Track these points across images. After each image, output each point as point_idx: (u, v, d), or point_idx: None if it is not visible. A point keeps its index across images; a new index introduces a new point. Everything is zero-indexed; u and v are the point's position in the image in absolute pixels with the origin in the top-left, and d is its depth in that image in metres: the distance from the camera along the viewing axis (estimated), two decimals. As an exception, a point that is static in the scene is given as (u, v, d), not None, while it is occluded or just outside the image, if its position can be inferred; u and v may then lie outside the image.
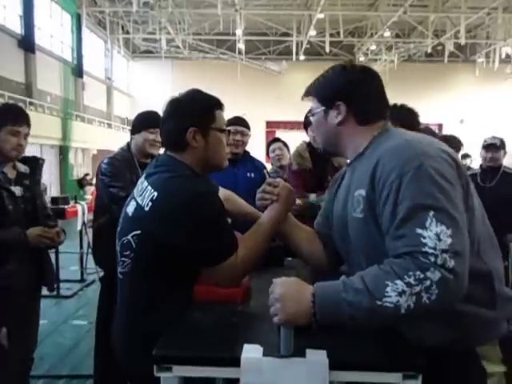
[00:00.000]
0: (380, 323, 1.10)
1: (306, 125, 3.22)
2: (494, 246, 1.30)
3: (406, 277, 1.04)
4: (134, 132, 2.65)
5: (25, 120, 2.33)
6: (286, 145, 4.16)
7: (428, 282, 1.02)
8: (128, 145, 2.68)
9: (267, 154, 4.18)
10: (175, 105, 1.53)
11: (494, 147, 3.77)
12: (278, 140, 4.26)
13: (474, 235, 1.20)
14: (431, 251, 1.04)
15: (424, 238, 1.06)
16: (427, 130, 2.57)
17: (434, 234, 1.05)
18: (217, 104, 1.55)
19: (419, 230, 1.06)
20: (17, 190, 2.30)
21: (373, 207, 1.19)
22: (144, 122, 2.61)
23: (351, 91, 1.33)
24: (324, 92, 1.37)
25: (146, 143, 2.58)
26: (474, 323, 1.21)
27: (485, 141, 3.85)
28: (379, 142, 1.28)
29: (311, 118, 1.43)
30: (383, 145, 1.24)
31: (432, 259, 1.04)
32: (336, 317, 1.09)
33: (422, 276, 1.03)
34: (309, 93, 1.43)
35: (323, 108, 1.35)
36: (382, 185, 1.15)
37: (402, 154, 1.15)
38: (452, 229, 1.06)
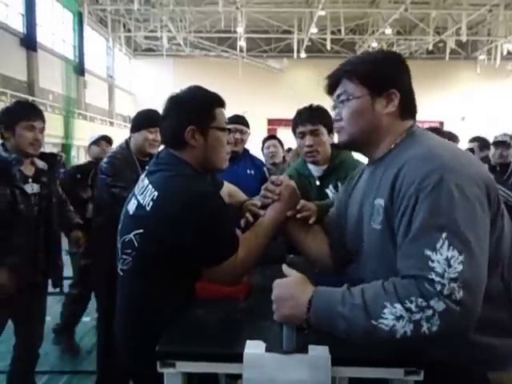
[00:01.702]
0: (375, 343, 1.02)
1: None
2: None
3: (407, 301, 0.96)
4: (133, 130, 2.64)
5: (39, 115, 2.33)
6: (280, 143, 4.17)
7: (430, 312, 0.94)
8: (127, 142, 2.67)
9: (262, 149, 4.17)
10: (175, 101, 1.51)
11: (503, 145, 3.76)
12: (273, 137, 4.27)
13: (500, 256, 1.12)
14: (438, 279, 0.95)
15: (432, 261, 0.97)
16: None
17: (443, 259, 0.96)
18: (217, 102, 1.52)
19: (428, 252, 0.98)
20: (33, 187, 2.29)
21: (390, 220, 1.11)
22: (144, 120, 2.60)
23: (405, 79, 1.23)
24: (375, 75, 1.21)
25: (145, 142, 2.58)
26: (487, 352, 1.12)
27: (495, 137, 3.84)
28: (404, 145, 1.18)
29: (345, 104, 1.24)
30: (407, 151, 1.14)
31: (438, 288, 0.95)
32: (330, 328, 1.04)
33: (424, 304, 0.95)
34: (347, 72, 1.24)
35: (370, 93, 1.20)
36: (401, 198, 1.07)
37: (423, 167, 1.05)
38: (465, 255, 0.96)
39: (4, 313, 2.30)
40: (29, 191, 2.27)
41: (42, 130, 2.33)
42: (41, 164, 2.39)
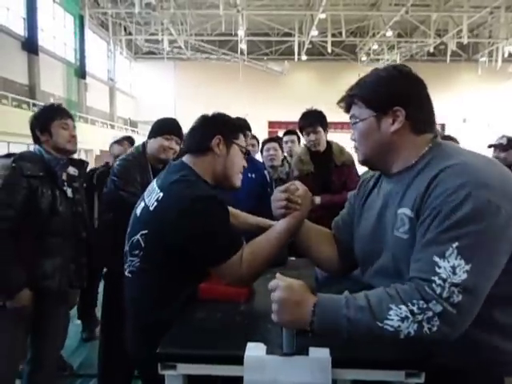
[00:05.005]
0: (378, 343, 1.06)
1: (302, 128, 3.22)
2: None
3: (409, 304, 1.01)
4: (150, 136, 2.66)
5: (68, 114, 2.47)
6: (280, 145, 4.14)
7: (430, 313, 0.99)
8: (144, 146, 2.68)
9: (261, 151, 4.15)
10: (206, 117, 1.63)
11: (499, 147, 3.75)
12: (273, 140, 4.23)
13: None
14: (439, 282, 0.99)
15: (439, 267, 1.00)
16: None
17: (449, 266, 1.00)
18: (243, 127, 1.69)
19: (436, 258, 1.01)
20: (68, 192, 2.34)
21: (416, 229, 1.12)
22: (162, 128, 2.62)
23: (410, 95, 1.22)
24: (376, 96, 1.23)
25: (160, 149, 2.58)
26: (507, 356, 1.12)
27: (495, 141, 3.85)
28: (433, 157, 1.17)
29: (355, 126, 1.29)
30: (438, 164, 1.12)
31: (438, 291, 0.99)
32: (334, 330, 1.06)
33: (425, 306, 1.00)
34: (352, 97, 1.29)
35: (374, 114, 1.23)
36: (426, 207, 1.08)
37: (455, 180, 1.05)
38: (472, 266, 0.99)
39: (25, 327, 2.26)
40: (68, 194, 2.34)
41: (74, 127, 2.45)
42: (72, 170, 2.45)
